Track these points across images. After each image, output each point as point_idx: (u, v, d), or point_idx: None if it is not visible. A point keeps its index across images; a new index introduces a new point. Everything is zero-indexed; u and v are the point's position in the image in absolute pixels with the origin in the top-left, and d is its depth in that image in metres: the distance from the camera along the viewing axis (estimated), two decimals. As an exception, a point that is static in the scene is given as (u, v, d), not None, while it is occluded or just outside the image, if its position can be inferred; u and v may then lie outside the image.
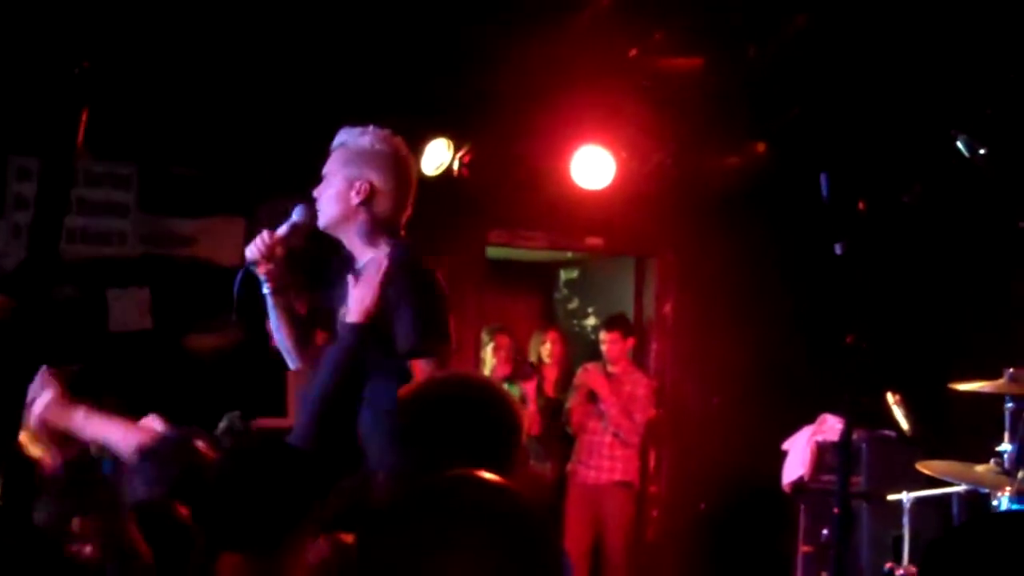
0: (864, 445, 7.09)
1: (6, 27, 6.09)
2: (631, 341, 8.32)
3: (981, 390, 5.44)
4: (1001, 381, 5.35)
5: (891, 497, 6.30)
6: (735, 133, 7.60)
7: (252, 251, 3.98)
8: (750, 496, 8.10)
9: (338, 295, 3.99)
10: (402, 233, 4.01)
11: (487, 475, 1.79)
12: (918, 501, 6.13)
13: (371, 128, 4.04)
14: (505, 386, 7.28)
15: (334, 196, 3.97)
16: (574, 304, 10.86)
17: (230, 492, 3.05)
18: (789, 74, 6.79)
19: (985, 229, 7.28)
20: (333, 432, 3.53)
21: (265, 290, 4.03)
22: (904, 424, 6.74)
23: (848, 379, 4.11)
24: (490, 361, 8.38)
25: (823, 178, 4.16)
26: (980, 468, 5.41)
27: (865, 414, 6.64)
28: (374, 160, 3.97)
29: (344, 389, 3.57)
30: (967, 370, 5.65)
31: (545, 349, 8.82)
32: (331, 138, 7.21)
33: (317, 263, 4.42)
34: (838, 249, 4.11)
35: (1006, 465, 5.29)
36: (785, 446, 7.66)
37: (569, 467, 8.26)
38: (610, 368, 8.22)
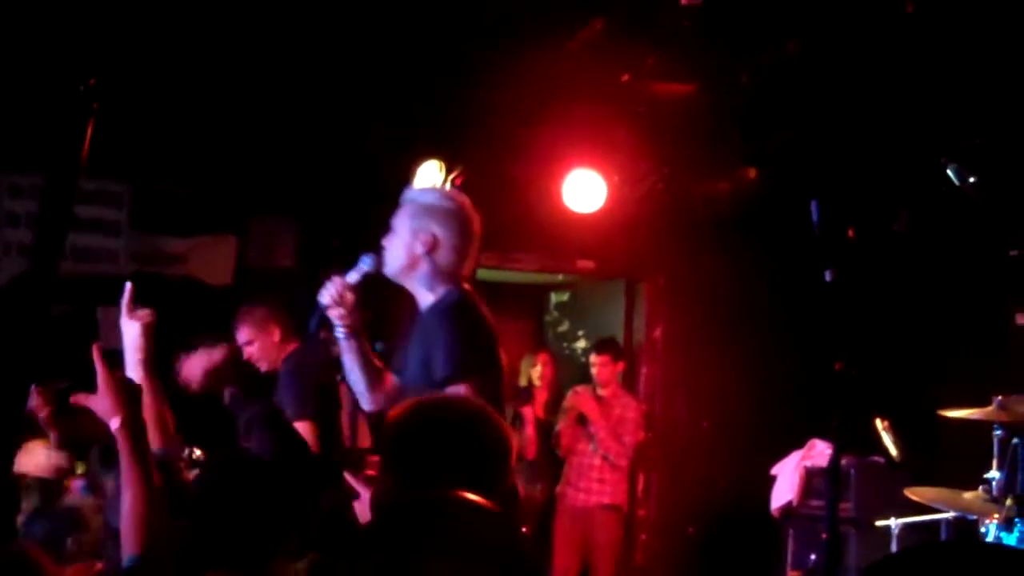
0: (853, 471, 7.09)
1: None
2: (621, 364, 8.32)
3: (970, 417, 5.45)
4: (990, 408, 5.36)
5: (879, 523, 6.30)
6: (726, 159, 7.63)
7: (325, 297, 4.17)
8: (739, 521, 8.09)
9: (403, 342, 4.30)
10: (464, 284, 4.25)
11: (471, 496, 1.79)
12: (906, 527, 6.13)
13: (438, 185, 4.27)
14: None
15: (401, 246, 4.21)
16: (564, 327, 10.87)
17: (212, 510, 3.04)
18: (780, 101, 6.82)
19: (975, 257, 7.30)
20: None
21: (339, 334, 4.23)
22: (893, 450, 6.75)
23: (837, 405, 4.11)
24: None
25: (813, 205, 4.17)
26: (968, 495, 5.41)
27: (854, 440, 6.64)
28: (439, 214, 4.25)
29: None
30: (956, 397, 5.66)
31: (536, 372, 8.82)
32: (321, 158, 7.26)
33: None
34: (828, 276, 4.12)
35: (994, 492, 5.30)
36: (774, 471, 7.66)
37: (558, 489, 8.25)
38: (600, 391, 8.21)
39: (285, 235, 7.76)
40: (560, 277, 10.14)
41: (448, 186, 4.30)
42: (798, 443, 7.55)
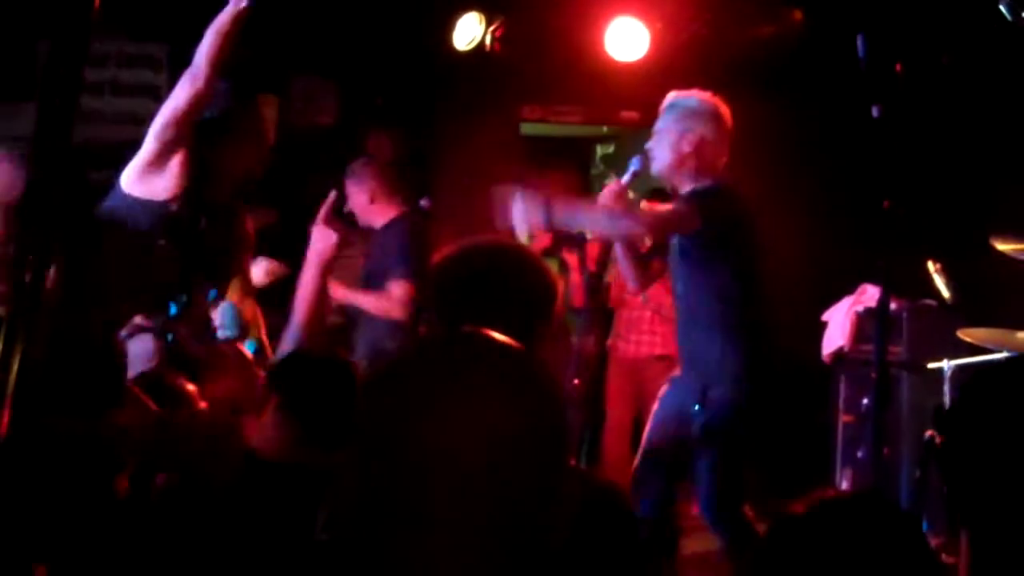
0: (904, 314, 7.04)
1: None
2: (670, 214, 8.26)
3: (1022, 253, 5.39)
4: (1042, 246, 5.30)
5: (932, 365, 6.28)
6: (770, 1, 7.46)
7: (605, 197, 5.05)
8: (790, 367, 8.07)
9: None
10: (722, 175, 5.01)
11: (496, 334, 1.76)
12: (959, 369, 6.11)
13: (696, 91, 5.05)
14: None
15: (668, 146, 4.98)
16: (610, 180, 10.78)
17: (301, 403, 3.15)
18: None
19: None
20: None
21: None
22: (945, 292, 6.68)
23: (885, 245, 4.07)
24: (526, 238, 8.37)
25: (860, 40, 4.09)
26: (1021, 335, 5.38)
27: (906, 283, 6.58)
28: (702, 117, 4.98)
29: None
30: (1007, 235, 5.59)
31: (588, 226, 8.78)
32: (360, 17, 7.17)
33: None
34: (875, 112, 4.05)
35: (1048, 330, 5.27)
36: (825, 317, 7.64)
37: (609, 342, 8.26)
38: (649, 243, 8.17)
39: (327, 94, 7.72)
40: (604, 129, 10.04)
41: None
42: (850, 289, 7.51)
